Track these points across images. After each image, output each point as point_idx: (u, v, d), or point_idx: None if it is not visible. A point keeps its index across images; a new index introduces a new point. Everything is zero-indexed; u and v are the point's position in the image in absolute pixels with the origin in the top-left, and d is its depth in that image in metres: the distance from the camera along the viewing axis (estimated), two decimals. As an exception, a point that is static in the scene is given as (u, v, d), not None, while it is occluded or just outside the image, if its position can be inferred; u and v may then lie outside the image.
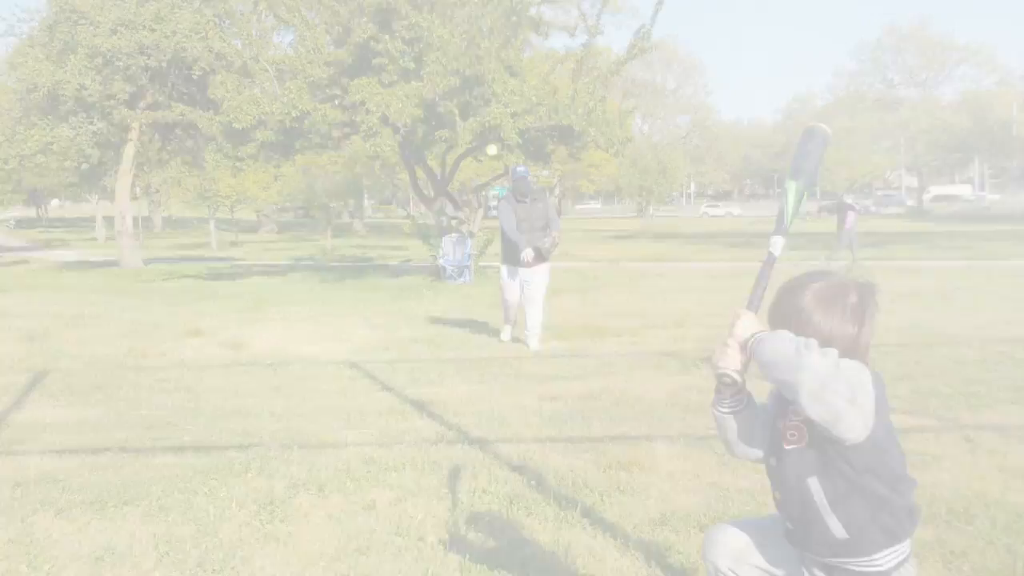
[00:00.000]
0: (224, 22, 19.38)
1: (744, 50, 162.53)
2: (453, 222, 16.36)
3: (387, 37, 13.31)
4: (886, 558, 1.72)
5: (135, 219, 30.65)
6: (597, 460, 4.23)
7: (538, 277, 7.93)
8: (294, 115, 13.50)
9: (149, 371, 7.30)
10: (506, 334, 8.37)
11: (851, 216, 16.57)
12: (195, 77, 20.37)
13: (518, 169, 8.24)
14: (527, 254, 7.75)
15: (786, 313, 1.75)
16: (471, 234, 15.92)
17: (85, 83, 19.73)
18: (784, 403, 1.76)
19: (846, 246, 16.54)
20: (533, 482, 3.93)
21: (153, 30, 19.60)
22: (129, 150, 21.98)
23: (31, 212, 72.10)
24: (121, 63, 19.78)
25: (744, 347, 1.73)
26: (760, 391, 1.88)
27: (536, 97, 13.30)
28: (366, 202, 60.64)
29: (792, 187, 1.93)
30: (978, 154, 59.33)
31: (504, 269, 8.10)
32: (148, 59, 19.78)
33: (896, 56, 64.18)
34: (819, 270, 1.82)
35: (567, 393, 5.86)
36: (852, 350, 1.68)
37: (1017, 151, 52.69)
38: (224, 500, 3.77)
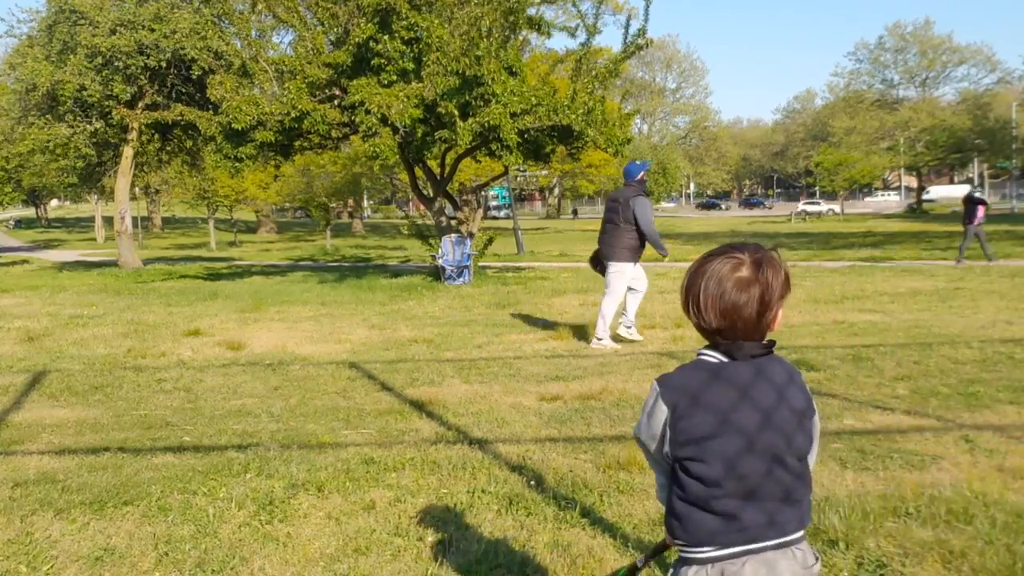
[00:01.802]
0: (223, 22, 19.37)
1: (744, 50, 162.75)
2: (452, 222, 16.35)
3: (386, 37, 13.30)
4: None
5: (134, 219, 30.69)
6: (596, 460, 4.23)
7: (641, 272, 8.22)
8: (293, 115, 13.48)
9: (148, 371, 7.29)
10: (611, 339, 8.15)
11: (980, 211, 16.23)
12: (194, 77, 20.38)
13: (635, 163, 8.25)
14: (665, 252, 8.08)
15: (737, 290, 1.59)
16: (471, 234, 15.92)
17: (85, 84, 19.73)
18: None
19: (973, 240, 16.14)
20: (532, 482, 3.93)
21: (152, 30, 19.60)
22: (128, 150, 21.99)
23: (30, 212, 72.24)
24: (120, 63, 19.78)
25: None
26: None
27: (535, 97, 13.29)
28: (366, 202, 60.71)
29: None
30: (978, 154, 59.33)
31: (631, 266, 8.02)
32: (147, 59, 19.78)
33: (896, 56, 64.19)
34: (735, 244, 1.66)
35: (567, 393, 5.86)
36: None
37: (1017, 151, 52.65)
38: (223, 500, 3.77)
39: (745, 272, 1.60)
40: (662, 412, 1.67)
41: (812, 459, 1.73)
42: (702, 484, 1.63)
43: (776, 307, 1.61)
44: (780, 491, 1.63)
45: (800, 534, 1.66)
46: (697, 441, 1.63)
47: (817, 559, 1.69)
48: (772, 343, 1.66)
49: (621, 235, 7.80)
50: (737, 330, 1.61)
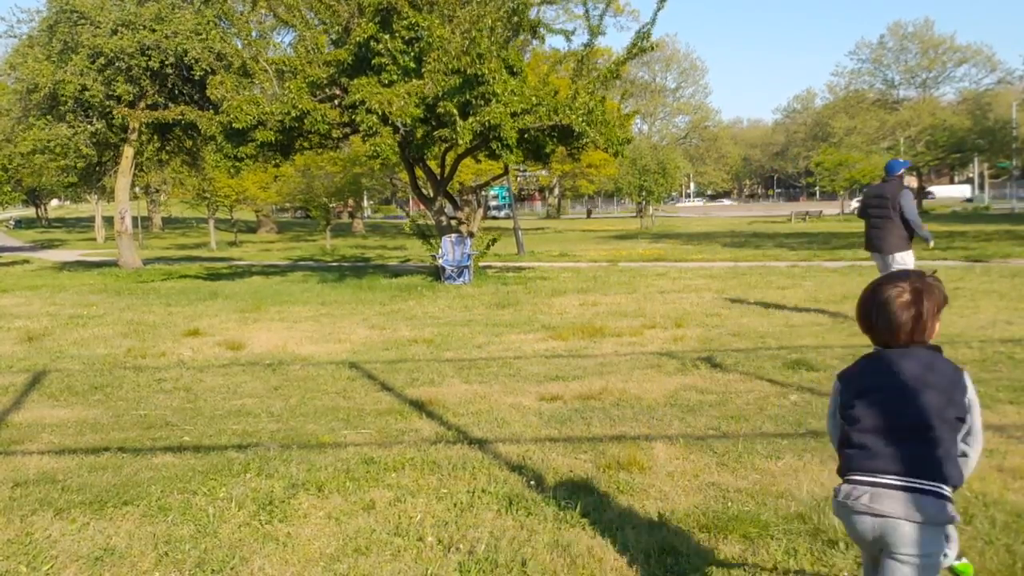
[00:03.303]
0: (224, 22, 19.36)
1: (744, 50, 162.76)
2: (452, 222, 16.35)
3: (387, 37, 13.30)
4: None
5: (134, 219, 30.68)
6: (597, 460, 4.23)
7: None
8: (294, 115, 13.48)
9: (148, 371, 7.30)
10: None
11: None
12: (195, 78, 20.37)
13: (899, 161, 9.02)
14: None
15: (917, 309, 2.15)
16: (471, 234, 15.91)
17: (87, 84, 19.72)
18: None
19: None
20: (532, 482, 3.93)
21: (153, 31, 19.59)
22: (128, 150, 21.98)
23: (31, 212, 72.30)
24: (123, 64, 19.78)
25: None
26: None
27: (536, 97, 13.29)
28: (366, 202, 60.71)
29: None
30: (978, 154, 59.31)
31: (910, 253, 8.67)
32: (149, 60, 19.77)
33: (897, 56, 64.18)
34: (903, 270, 2.12)
35: (567, 393, 5.86)
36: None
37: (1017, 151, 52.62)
38: (223, 500, 3.78)
39: (906, 297, 2.17)
40: (836, 389, 2.26)
41: (974, 440, 2.11)
42: (848, 425, 2.16)
43: (930, 320, 2.17)
44: (896, 439, 2.06)
45: (924, 484, 1.99)
46: (850, 399, 2.19)
47: (951, 520, 2.00)
48: (935, 348, 2.17)
49: (896, 227, 8.57)
50: (900, 340, 2.16)
